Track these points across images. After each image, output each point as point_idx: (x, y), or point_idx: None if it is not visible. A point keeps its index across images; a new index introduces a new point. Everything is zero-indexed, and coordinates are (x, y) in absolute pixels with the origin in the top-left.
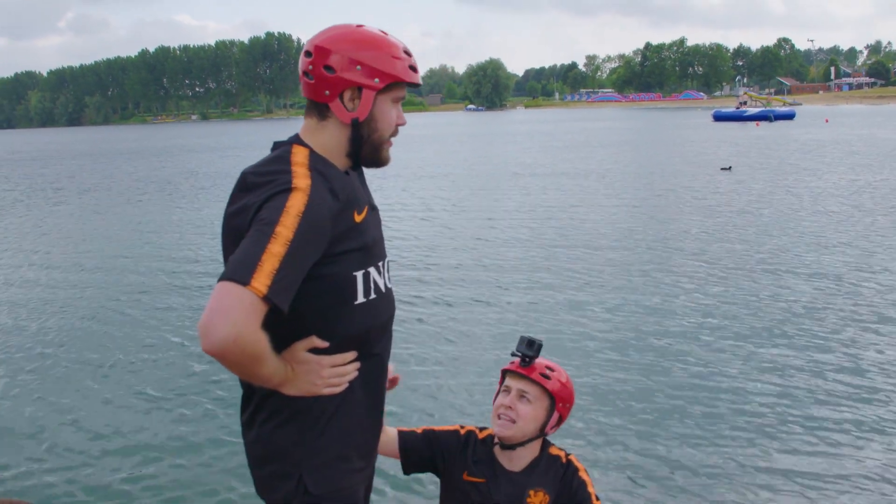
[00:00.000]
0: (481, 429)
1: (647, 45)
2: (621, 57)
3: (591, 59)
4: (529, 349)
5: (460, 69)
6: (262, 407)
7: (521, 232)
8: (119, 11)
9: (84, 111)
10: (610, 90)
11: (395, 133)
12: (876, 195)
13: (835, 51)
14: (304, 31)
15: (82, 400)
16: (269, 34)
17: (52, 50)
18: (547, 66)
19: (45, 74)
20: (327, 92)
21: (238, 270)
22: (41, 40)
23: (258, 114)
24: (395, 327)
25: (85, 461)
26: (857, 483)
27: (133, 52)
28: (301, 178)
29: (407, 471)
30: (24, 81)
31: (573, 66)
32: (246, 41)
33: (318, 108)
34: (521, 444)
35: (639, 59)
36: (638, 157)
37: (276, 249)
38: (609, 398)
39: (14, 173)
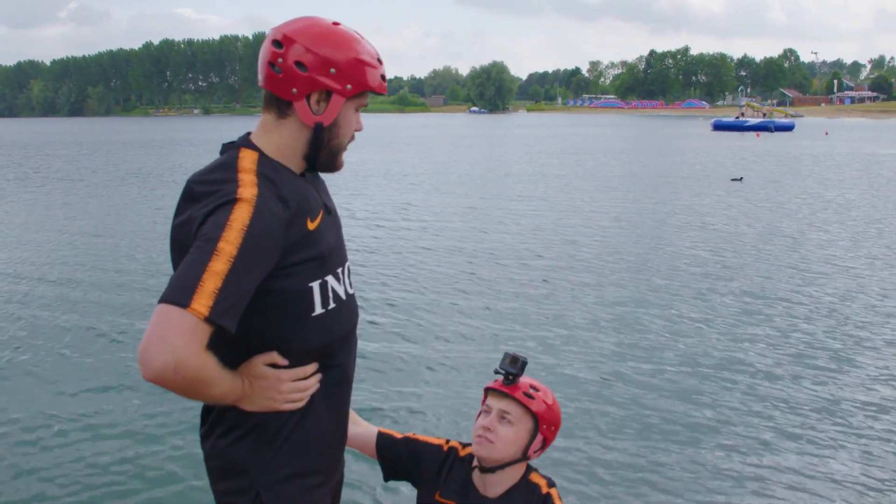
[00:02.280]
0: (464, 445)
1: (652, 53)
2: (625, 63)
3: (594, 64)
4: (513, 366)
5: (464, 71)
6: (220, 420)
7: (504, 239)
8: (121, 3)
9: (86, 102)
10: (612, 96)
11: (352, 139)
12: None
13: (838, 64)
14: None
15: (48, 394)
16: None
17: (53, 40)
18: (550, 71)
19: (48, 64)
20: (294, 90)
21: (177, 291)
22: (42, 30)
23: (260, 110)
24: (373, 333)
25: (53, 457)
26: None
27: (135, 44)
28: (247, 188)
29: (386, 477)
30: (27, 70)
31: (577, 71)
32: (250, 37)
33: (279, 104)
34: (501, 467)
35: (642, 66)
36: (641, 165)
37: (218, 267)
38: (595, 418)
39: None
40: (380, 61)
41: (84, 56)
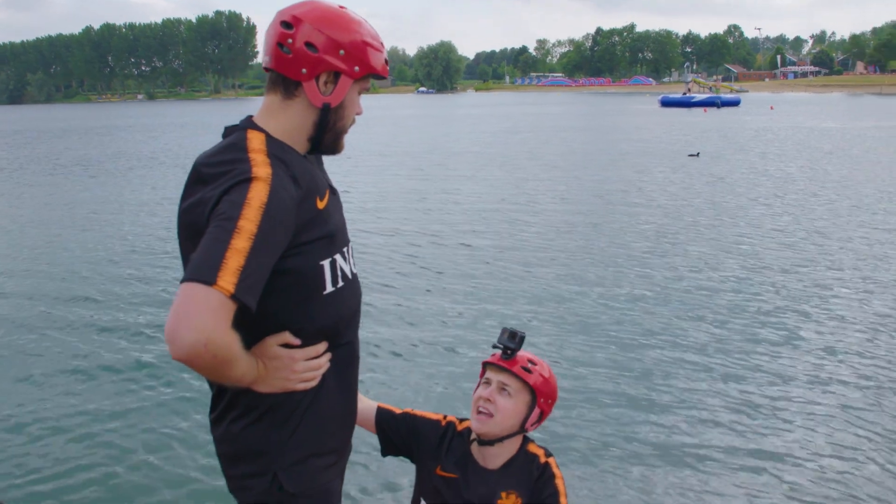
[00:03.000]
0: (461, 420)
1: (598, 31)
2: (571, 42)
3: (541, 43)
4: (511, 341)
5: (411, 51)
6: (233, 404)
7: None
8: None
9: (26, 89)
10: (560, 75)
11: (353, 122)
12: (832, 182)
13: (781, 40)
14: (253, 10)
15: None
16: (218, 13)
17: None
18: (498, 50)
19: None
20: (304, 70)
21: (202, 270)
22: None
23: (206, 94)
24: (366, 314)
25: (45, 456)
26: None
27: (74, 28)
28: (261, 167)
29: (385, 452)
30: None
31: (524, 49)
32: (194, 20)
33: (286, 85)
34: (500, 439)
35: (589, 44)
36: (599, 143)
37: (240, 245)
38: (586, 393)
39: None
40: (382, 45)
41: (22, 42)
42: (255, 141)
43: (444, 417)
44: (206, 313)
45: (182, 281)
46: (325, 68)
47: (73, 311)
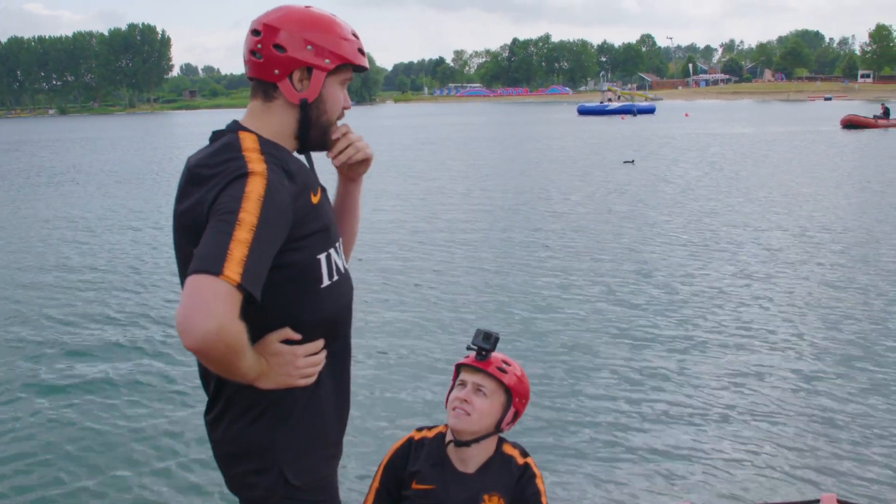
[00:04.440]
0: (430, 427)
1: (514, 41)
2: (489, 52)
3: (458, 54)
4: (486, 342)
5: None
6: (232, 404)
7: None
8: None
9: None
10: (478, 85)
11: (341, 116)
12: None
13: (692, 48)
14: (167, 23)
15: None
16: (131, 26)
17: None
18: (416, 61)
19: None
20: (276, 71)
21: (208, 261)
22: None
23: (120, 108)
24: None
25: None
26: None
27: None
28: (256, 163)
29: None
30: None
31: (441, 60)
32: (106, 33)
33: (264, 89)
34: (476, 440)
35: (506, 54)
36: (523, 153)
37: (242, 236)
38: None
39: None
40: (355, 36)
41: None
42: (248, 141)
43: (417, 433)
44: (217, 301)
45: (189, 274)
46: (296, 65)
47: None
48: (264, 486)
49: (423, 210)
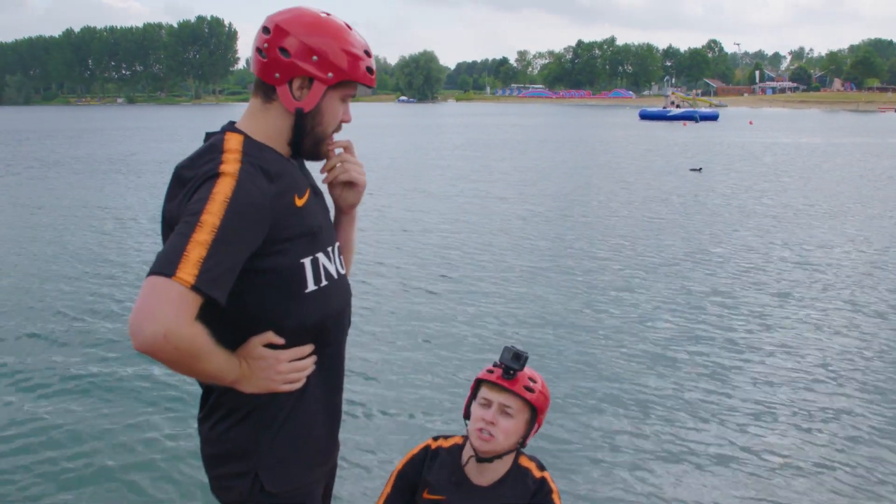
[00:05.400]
0: (447, 437)
1: (579, 43)
2: (552, 54)
3: (521, 54)
4: (516, 362)
5: (392, 60)
6: (218, 404)
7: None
8: None
9: (4, 90)
10: (540, 86)
11: (338, 129)
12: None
13: (759, 55)
14: (234, 16)
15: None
16: (199, 18)
17: None
18: (479, 61)
19: None
20: (277, 75)
21: (162, 263)
22: None
23: (186, 99)
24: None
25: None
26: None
27: (54, 31)
28: (229, 164)
29: None
30: None
31: (504, 60)
32: (175, 25)
33: (265, 89)
34: (499, 456)
35: (570, 56)
36: (595, 156)
37: (201, 238)
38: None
39: None
40: (368, 53)
41: (0, 43)
42: (232, 142)
43: (434, 441)
44: (165, 304)
45: (147, 276)
46: (298, 73)
47: (57, 316)
48: (239, 491)
49: (455, 212)
